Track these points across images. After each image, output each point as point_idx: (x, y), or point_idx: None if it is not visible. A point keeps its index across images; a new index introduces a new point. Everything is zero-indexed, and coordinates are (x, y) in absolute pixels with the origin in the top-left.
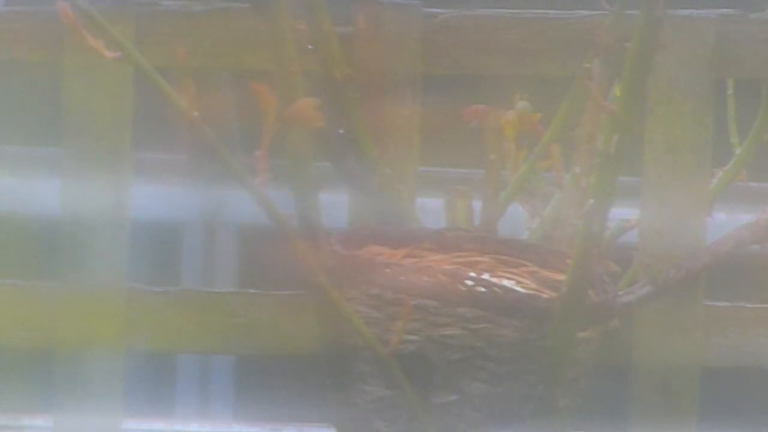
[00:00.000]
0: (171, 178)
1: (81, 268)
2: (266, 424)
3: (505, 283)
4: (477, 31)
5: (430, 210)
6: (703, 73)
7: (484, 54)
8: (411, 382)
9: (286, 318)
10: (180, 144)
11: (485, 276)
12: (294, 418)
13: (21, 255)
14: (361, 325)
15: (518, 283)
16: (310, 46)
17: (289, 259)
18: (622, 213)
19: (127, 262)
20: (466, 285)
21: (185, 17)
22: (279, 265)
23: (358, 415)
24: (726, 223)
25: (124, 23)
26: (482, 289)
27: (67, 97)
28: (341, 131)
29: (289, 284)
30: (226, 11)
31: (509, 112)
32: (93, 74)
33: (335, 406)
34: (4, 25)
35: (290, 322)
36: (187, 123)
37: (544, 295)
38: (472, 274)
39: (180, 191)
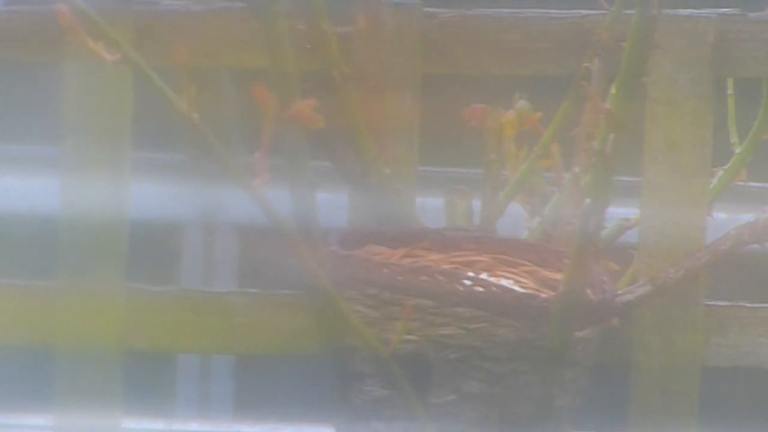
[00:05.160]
0: (171, 178)
1: (81, 268)
2: (266, 424)
3: (504, 282)
4: (477, 31)
5: (430, 210)
6: (702, 72)
7: (484, 54)
8: (409, 382)
9: (286, 318)
10: (180, 144)
11: (483, 275)
12: (294, 418)
13: (21, 255)
14: (361, 326)
15: (517, 282)
16: (308, 46)
17: (289, 260)
18: (622, 213)
19: (127, 262)
20: (464, 285)
21: (185, 17)
22: (279, 265)
23: (357, 415)
24: (726, 223)
25: (124, 23)
26: (480, 289)
27: (67, 97)
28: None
29: (289, 284)
30: (226, 11)
31: (509, 112)
32: (93, 74)
33: (334, 406)
34: (4, 25)
35: (290, 322)
36: (187, 124)
37: (543, 295)
38: (471, 274)
39: (180, 191)
